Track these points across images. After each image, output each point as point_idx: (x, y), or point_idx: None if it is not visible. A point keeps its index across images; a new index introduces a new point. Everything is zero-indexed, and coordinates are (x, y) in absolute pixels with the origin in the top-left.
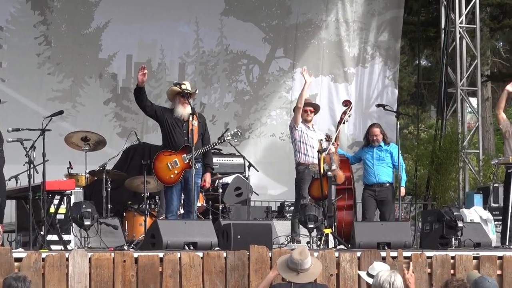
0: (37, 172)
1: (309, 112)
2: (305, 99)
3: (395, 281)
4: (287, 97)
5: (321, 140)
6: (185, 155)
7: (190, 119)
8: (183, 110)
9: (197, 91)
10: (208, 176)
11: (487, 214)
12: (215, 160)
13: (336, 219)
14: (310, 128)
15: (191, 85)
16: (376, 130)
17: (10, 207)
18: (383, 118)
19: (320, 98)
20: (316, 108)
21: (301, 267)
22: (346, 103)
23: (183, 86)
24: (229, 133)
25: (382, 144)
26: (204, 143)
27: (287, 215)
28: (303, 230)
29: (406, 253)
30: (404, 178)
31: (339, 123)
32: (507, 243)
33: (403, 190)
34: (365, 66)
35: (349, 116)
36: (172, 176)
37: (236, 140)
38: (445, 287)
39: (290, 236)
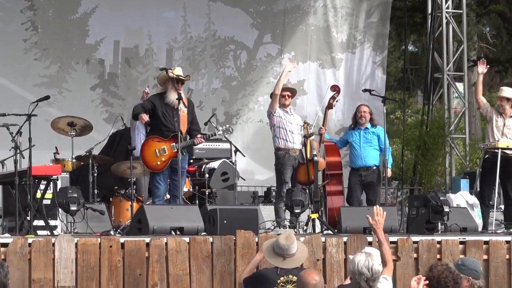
0: (23, 157)
1: (286, 97)
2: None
3: (373, 265)
4: (275, 83)
5: (308, 124)
6: (174, 143)
7: (181, 105)
8: (175, 96)
9: (189, 78)
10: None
11: (473, 199)
12: (202, 145)
13: (327, 204)
14: (289, 113)
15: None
16: (365, 108)
17: None
18: (371, 103)
19: (308, 84)
20: (293, 92)
21: (288, 252)
22: (335, 87)
23: (176, 72)
24: (220, 128)
25: (369, 126)
26: (193, 128)
27: (274, 200)
28: (288, 215)
29: (393, 238)
30: (390, 161)
31: (327, 108)
32: (488, 228)
33: (389, 172)
34: (353, 51)
35: (337, 101)
36: (159, 163)
37: (227, 135)
38: (430, 271)
39: (276, 222)
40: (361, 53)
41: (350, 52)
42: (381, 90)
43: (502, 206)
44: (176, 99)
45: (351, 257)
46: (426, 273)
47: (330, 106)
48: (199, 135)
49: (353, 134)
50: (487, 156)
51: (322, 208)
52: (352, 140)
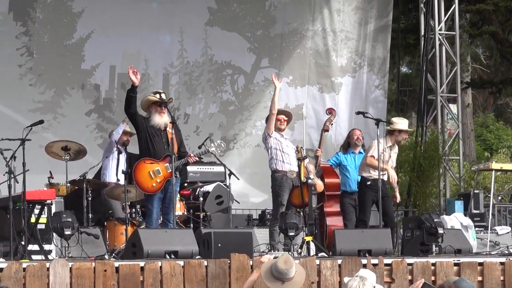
0: (17, 182)
1: (282, 121)
2: (278, 109)
3: None
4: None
5: (301, 147)
6: (167, 164)
7: (168, 128)
8: (160, 120)
9: (172, 100)
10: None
11: (467, 221)
12: (196, 168)
13: (327, 225)
14: (284, 137)
15: (167, 95)
16: (358, 132)
17: None
18: (371, 127)
19: (306, 108)
20: (288, 116)
21: (286, 276)
22: (330, 110)
23: (157, 96)
24: (212, 144)
25: (361, 150)
26: (181, 151)
27: (268, 223)
28: (282, 239)
29: (387, 260)
30: None
31: (323, 130)
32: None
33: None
34: (353, 75)
35: (331, 125)
36: (154, 184)
37: (219, 151)
38: None
39: (270, 244)
40: (361, 77)
41: (350, 76)
42: (382, 113)
43: (497, 227)
44: (169, 122)
45: (346, 279)
46: None
47: (326, 129)
48: (191, 154)
49: (346, 158)
50: (368, 183)
51: (316, 231)
52: (347, 164)
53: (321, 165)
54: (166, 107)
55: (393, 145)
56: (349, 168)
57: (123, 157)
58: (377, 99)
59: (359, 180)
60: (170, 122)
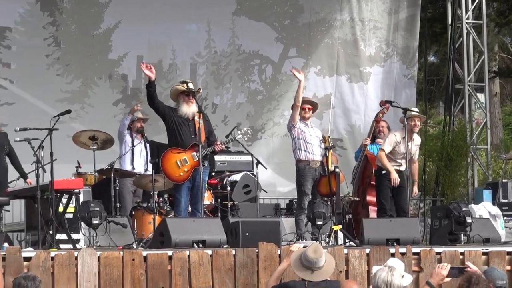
0: (45, 172)
1: (307, 110)
2: (303, 97)
3: (392, 281)
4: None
5: (328, 136)
6: (194, 153)
7: (196, 118)
8: (188, 109)
9: (201, 90)
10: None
11: (495, 210)
12: (223, 157)
13: (369, 215)
14: (308, 125)
15: (195, 84)
16: (382, 123)
17: (19, 206)
18: (399, 116)
19: (334, 98)
20: (314, 106)
21: (316, 266)
22: (384, 103)
23: (185, 85)
24: (239, 132)
25: None
26: (211, 140)
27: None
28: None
29: (415, 249)
30: None
31: (375, 121)
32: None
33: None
34: (382, 65)
35: (381, 117)
36: (181, 174)
37: (246, 139)
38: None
39: (296, 234)
40: (391, 67)
41: (379, 66)
42: (412, 103)
43: None
44: (196, 112)
45: (374, 268)
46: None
47: (378, 119)
48: (218, 142)
49: (373, 149)
50: (384, 172)
51: (344, 220)
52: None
53: (368, 154)
54: (194, 97)
55: (409, 137)
56: None
57: (140, 145)
58: (406, 88)
59: (376, 168)
60: (198, 112)
